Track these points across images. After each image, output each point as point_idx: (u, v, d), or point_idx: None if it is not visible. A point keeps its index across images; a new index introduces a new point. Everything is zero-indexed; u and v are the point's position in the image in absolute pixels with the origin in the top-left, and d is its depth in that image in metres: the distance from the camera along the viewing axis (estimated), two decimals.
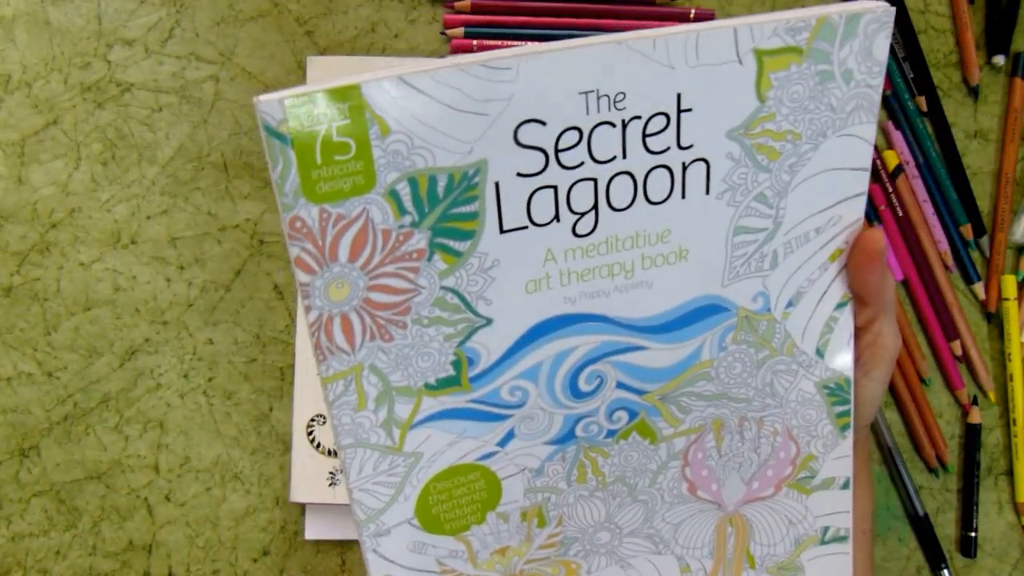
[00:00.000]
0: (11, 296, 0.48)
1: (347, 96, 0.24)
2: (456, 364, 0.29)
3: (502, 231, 0.27)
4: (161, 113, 0.48)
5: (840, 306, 0.31)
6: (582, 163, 0.27)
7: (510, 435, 0.30)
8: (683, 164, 0.28)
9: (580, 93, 0.26)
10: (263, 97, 0.24)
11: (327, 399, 0.28)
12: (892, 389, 0.49)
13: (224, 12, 0.48)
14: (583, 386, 0.30)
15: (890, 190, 0.49)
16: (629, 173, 0.27)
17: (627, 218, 0.28)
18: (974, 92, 0.50)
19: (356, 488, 0.29)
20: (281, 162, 0.25)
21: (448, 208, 0.26)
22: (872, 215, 0.49)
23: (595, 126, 0.26)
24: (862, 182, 0.29)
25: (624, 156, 0.27)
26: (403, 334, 0.28)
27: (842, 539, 0.33)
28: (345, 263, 0.26)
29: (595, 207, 0.28)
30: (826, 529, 0.33)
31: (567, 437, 0.30)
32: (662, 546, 0.32)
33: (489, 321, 0.28)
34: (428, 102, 0.25)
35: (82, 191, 0.48)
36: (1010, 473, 0.49)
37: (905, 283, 0.49)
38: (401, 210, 0.26)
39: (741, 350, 0.31)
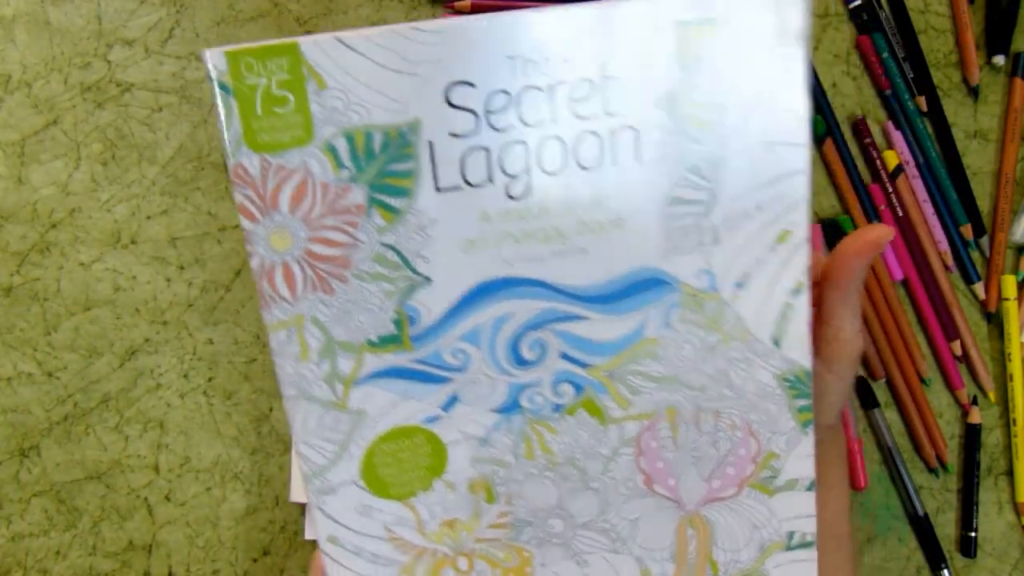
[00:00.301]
0: (11, 296, 0.48)
1: (286, 52, 0.27)
2: (397, 322, 0.29)
3: (438, 190, 0.28)
4: (161, 113, 0.48)
5: (795, 292, 0.31)
6: (512, 125, 0.28)
7: (454, 399, 0.30)
8: (612, 131, 0.29)
9: (507, 57, 0.27)
10: (209, 50, 0.26)
11: (271, 348, 0.29)
12: (892, 389, 0.49)
13: (224, 12, 0.48)
14: (525, 353, 0.30)
15: (890, 190, 0.49)
16: (559, 138, 0.28)
17: (560, 182, 0.29)
18: (974, 92, 0.50)
19: (301, 442, 0.30)
20: (224, 111, 0.27)
21: (384, 164, 0.28)
22: (872, 215, 0.49)
23: (523, 90, 0.28)
24: (801, 158, 0.29)
25: (553, 120, 0.28)
26: (344, 288, 0.29)
27: (808, 545, 0.32)
28: (286, 213, 0.28)
29: (527, 170, 0.29)
30: (792, 534, 0.32)
31: (512, 407, 0.31)
32: (619, 544, 0.32)
33: (428, 280, 0.29)
34: (363, 61, 0.27)
35: (82, 191, 0.48)
36: (1010, 473, 0.49)
37: (905, 283, 0.49)
38: (339, 164, 0.28)
39: (689, 330, 0.31)
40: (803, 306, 0.31)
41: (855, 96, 0.50)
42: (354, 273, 0.29)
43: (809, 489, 0.32)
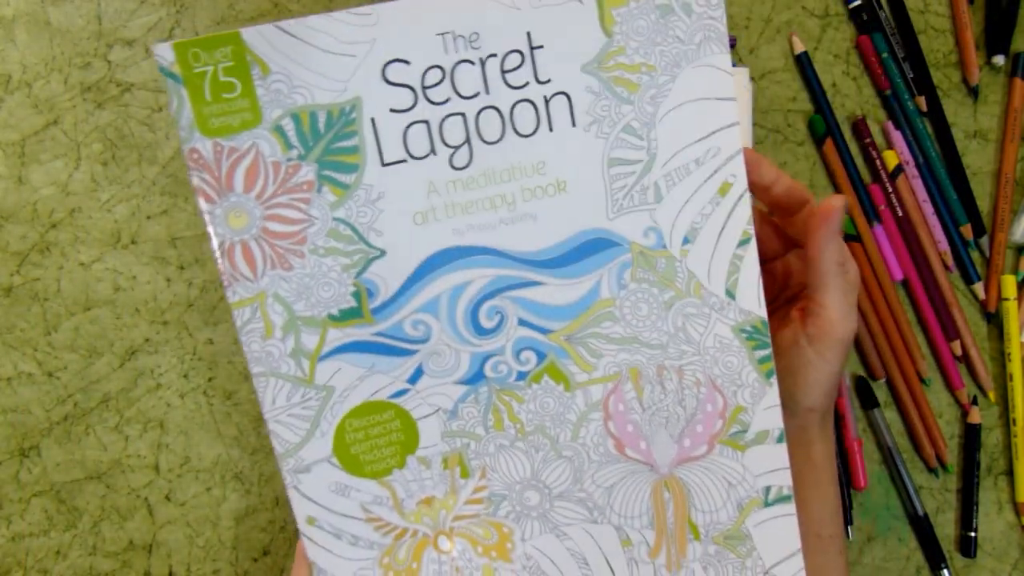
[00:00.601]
0: (11, 296, 0.48)
1: (229, 41, 0.28)
2: (356, 295, 0.30)
3: (383, 164, 0.30)
4: (161, 113, 0.48)
5: (743, 243, 0.31)
6: (448, 99, 0.30)
7: (419, 372, 0.31)
8: (545, 98, 0.30)
9: (437, 34, 0.29)
10: (158, 44, 0.28)
11: (236, 325, 0.30)
12: (892, 389, 0.49)
13: (224, 12, 0.48)
14: (484, 322, 0.31)
15: (890, 190, 0.49)
16: (495, 107, 0.30)
17: (500, 151, 0.30)
18: (974, 92, 0.50)
19: (271, 419, 0.31)
20: (176, 99, 0.28)
21: (330, 142, 0.29)
22: (872, 215, 0.49)
23: (455, 64, 0.29)
24: (731, 112, 0.31)
25: (487, 91, 0.30)
26: (302, 263, 0.30)
27: (786, 498, 0.32)
28: (241, 193, 0.29)
29: (468, 140, 0.30)
30: (768, 489, 0.32)
31: (477, 377, 0.31)
32: (597, 513, 0.32)
33: (383, 252, 0.30)
34: (302, 45, 0.29)
35: (82, 191, 0.48)
36: (1010, 473, 0.49)
37: (905, 283, 0.49)
38: (288, 144, 0.29)
39: (643, 289, 0.31)
40: (751, 256, 0.31)
41: (855, 96, 0.50)
42: (310, 248, 0.30)
43: (779, 441, 0.32)
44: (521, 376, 0.31)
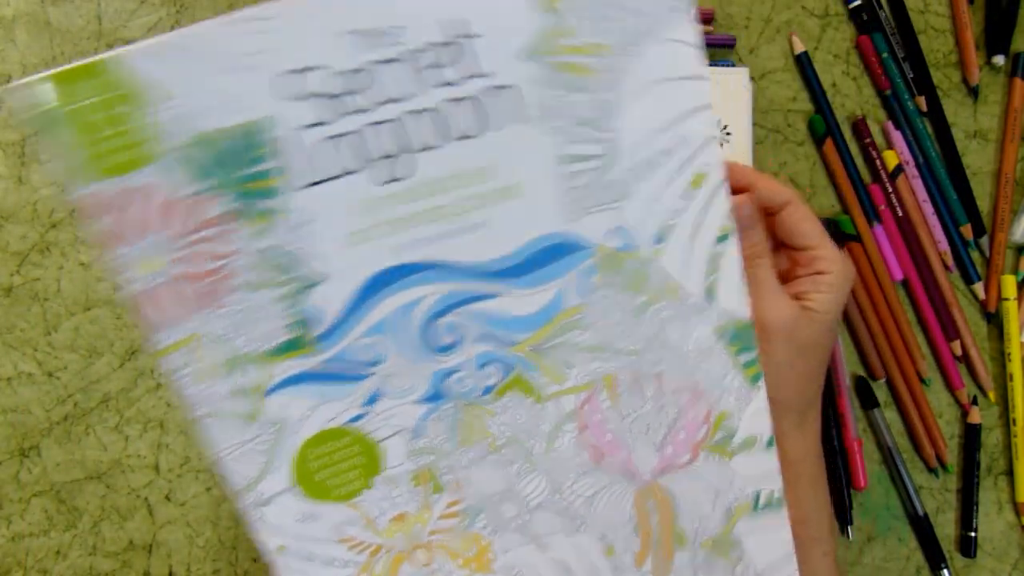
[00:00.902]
0: (11, 296, 0.48)
1: (112, 67, 0.24)
2: (296, 325, 0.28)
3: (306, 185, 0.26)
4: None
5: (721, 240, 0.29)
6: (375, 105, 0.26)
7: (376, 395, 0.29)
8: (484, 93, 0.26)
9: (350, 33, 0.25)
10: (22, 81, 0.24)
11: (167, 373, 0.27)
12: (892, 389, 0.49)
13: (224, 12, 0.48)
14: (441, 339, 0.29)
15: (890, 190, 0.49)
16: (428, 109, 0.26)
17: (440, 157, 0.27)
18: (974, 92, 0.50)
19: (224, 457, 0.29)
20: (58, 143, 0.25)
21: (243, 168, 0.26)
22: (872, 215, 0.49)
23: (378, 64, 0.26)
24: (702, 92, 0.27)
25: (416, 92, 0.26)
26: (233, 299, 0.27)
27: (776, 504, 0.31)
28: (152, 235, 0.26)
29: (401, 149, 0.27)
30: (757, 495, 0.31)
31: (439, 395, 0.29)
32: (579, 523, 0.31)
33: (320, 279, 0.27)
34: (198, 63, 0.25)
35: None
36: (1010, 473, 0.49)
37: (905, 283, 0.49)
38: (195, 175, 0.26)
39: (613, 294, 0.29)
40: (732, 253, 0.29)
41: (855, 96, 0.50)
42: (240, 283, 0.27)
43: (769, 445, 0.30)
44: (487, 390, 0.29)
